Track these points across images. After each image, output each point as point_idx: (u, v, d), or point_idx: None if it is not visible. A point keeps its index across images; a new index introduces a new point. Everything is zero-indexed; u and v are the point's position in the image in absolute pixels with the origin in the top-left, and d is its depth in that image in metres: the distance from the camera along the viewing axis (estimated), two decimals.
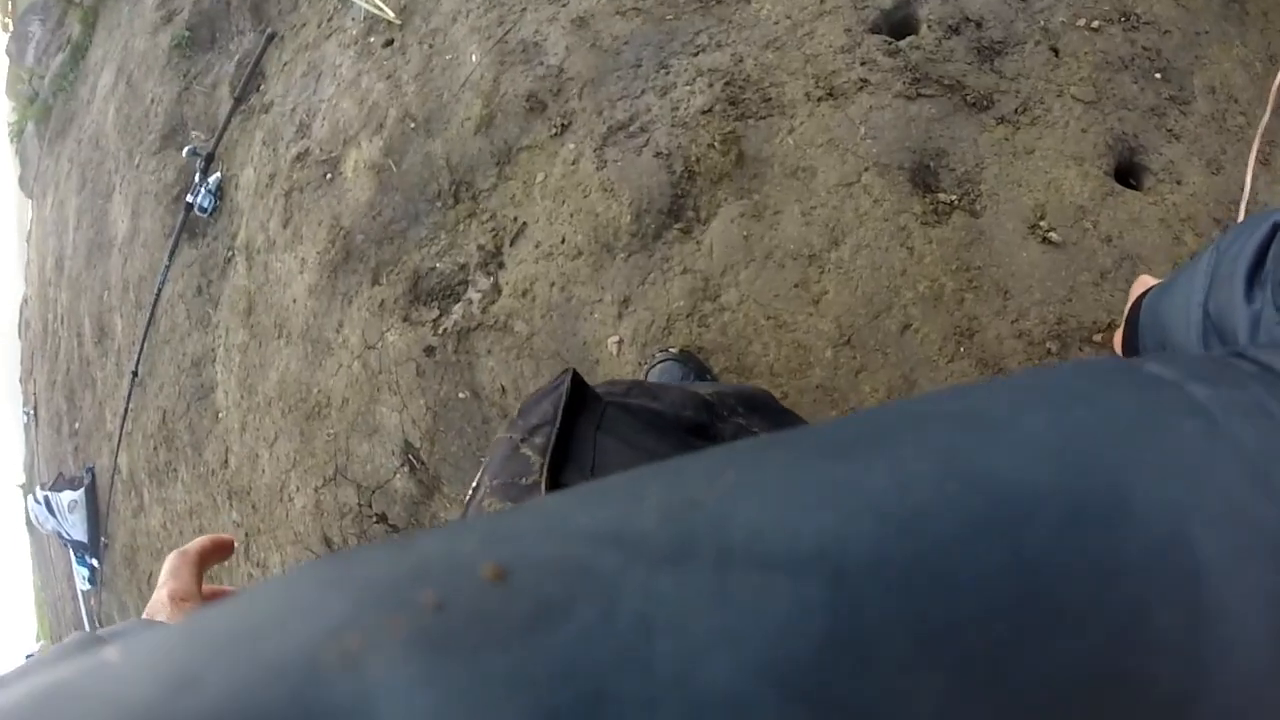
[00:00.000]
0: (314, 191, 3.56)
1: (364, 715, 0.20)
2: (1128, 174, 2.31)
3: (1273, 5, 2.43)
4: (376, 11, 3.69)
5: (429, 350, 2.75)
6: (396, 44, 3.58)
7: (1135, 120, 2.30)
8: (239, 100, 4.55)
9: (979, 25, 2.51)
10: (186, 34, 5.30)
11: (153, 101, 5.48)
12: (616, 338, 2.46)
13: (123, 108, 5.90)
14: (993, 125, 2.36)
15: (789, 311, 2.27)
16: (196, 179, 4.48)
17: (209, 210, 4.38)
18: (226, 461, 3.70)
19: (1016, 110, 2.37)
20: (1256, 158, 2.17)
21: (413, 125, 3.19)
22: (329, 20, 4.15)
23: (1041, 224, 2.19)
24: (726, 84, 2.65)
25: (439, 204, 2.97)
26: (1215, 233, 2.13)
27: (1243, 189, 2.15)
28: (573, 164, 2.74)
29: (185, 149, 4.63)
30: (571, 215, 2.66)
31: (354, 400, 2.95)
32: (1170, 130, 2.28)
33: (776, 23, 2.74)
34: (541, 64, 2.98)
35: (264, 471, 3.36)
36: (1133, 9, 2.45)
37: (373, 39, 3.72)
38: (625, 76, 2.81)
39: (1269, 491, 0.28)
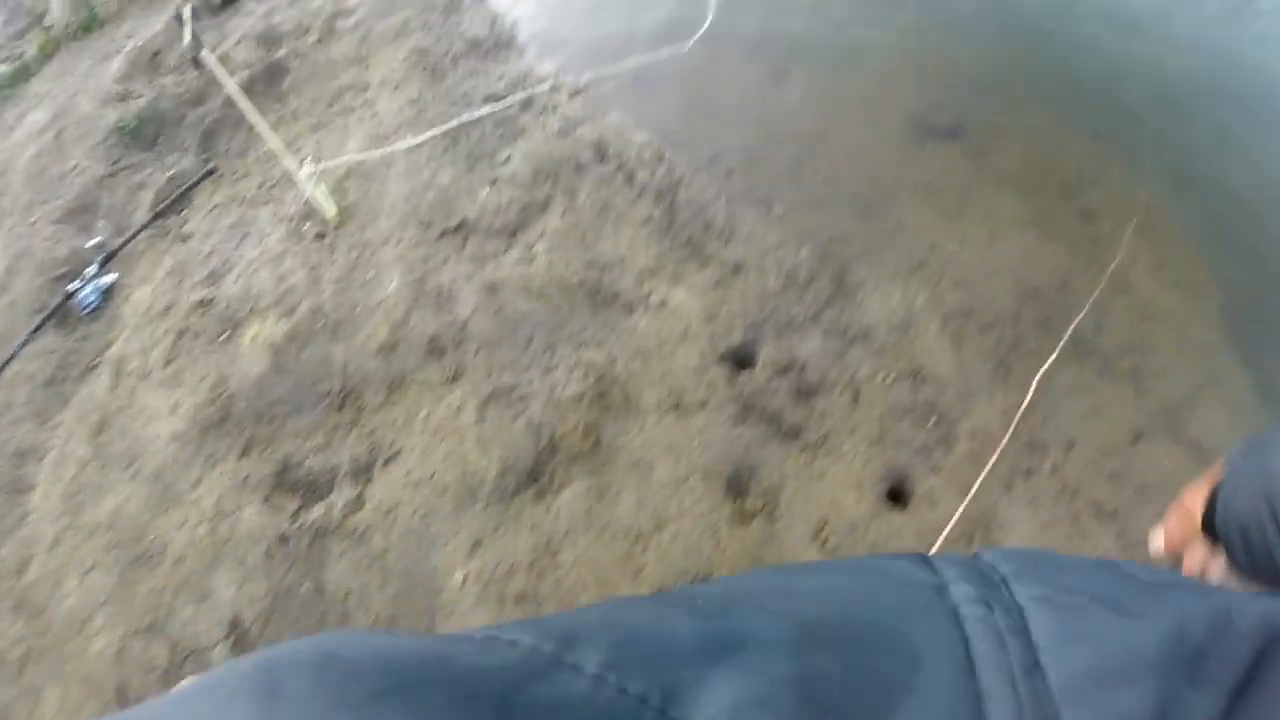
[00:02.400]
0: (207, 343, 3.86)
1: None
2: (896, 497, 3.10)
3: (1031, 368, 3.46)
4: (319, 204, 4.16)
5: (283, 538, 3.08)
6: (328, 240, 4.05)
7: (908, 456, 3.15)
8: (159, 215, 4.78)
9: (802, 369, 3.32)
10: (134, 124, 5.52)
11: (74, 169, 5.53)
12: (464, 572, 2.91)
13: (42, 157, 5.90)
14: (797, 452, 3.12)
15: (614, 577, 2.85)
16: (89, 272, 4.57)
17: (89, 308, 4.45)
18: (25, 569, 3.70)
19: (817, 442, 3.14)
20: (1000, 482, 3.08)
21: (321, 323, 3.64)
22: (270, 187, 4.58)
23: (824, 533, 2.93)
24: (599, 379, 3.28)
25: (325, 404, 3.40)
26: (961, 545, 2.90)
27: (990, 510, 3.01)
28: (456, 410, 3.27)
29: (92, 241, 4.76)
30: (445, 456, 3.16)
31: (191, 560, 3.19)
32: (934, 465, 3.13)
33: (648, 338, 3.43)
34: (450, 313, 3.55)
35: (69, 596, 3.42)
36: (922, 367, 3.38)
37: (307, 226, 4.18)
38: (517, 348, 3.42)
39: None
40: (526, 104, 4.75)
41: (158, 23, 6.92)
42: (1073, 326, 3.74)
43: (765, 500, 3.04)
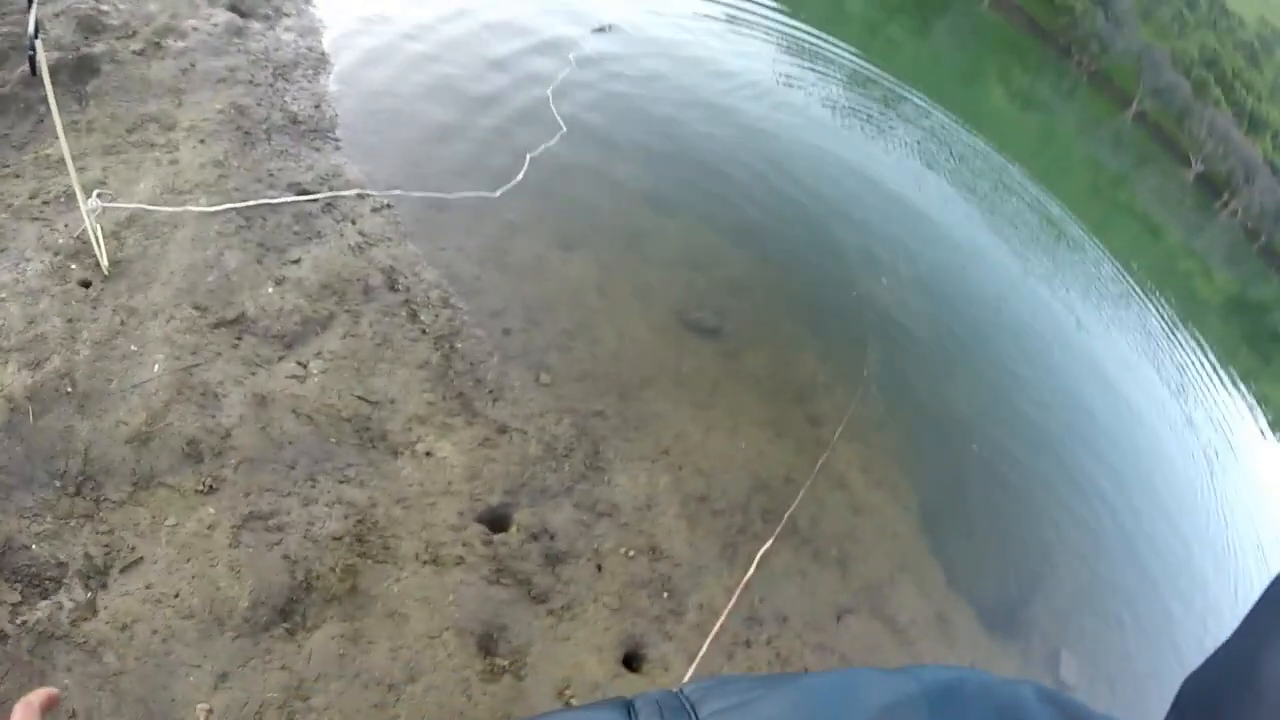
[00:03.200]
0: None
1: None
2: (632, 661, 3.65)
3: (754, 550, 4.31)
4: (93, 243, 4.01)
5: (1, 636, 2.74)
6: (93, 291, 3.92)
7: (644, 624, 3.73)
8: None
9: (553, 537, 3.79)
10: None
11: None
12: (208, 707, 2.81)
13: None
14: (544, 615, 3.59)
15: None
16: None
17: None
18: None
19: (563, 607, 3.63)
20: (723, 650, 3.80)
21: (69, 390, 3.50)
22: (44, 202, 4.36)
23: (567, 692, 3.37)
24: (359, 521, 3.51)
25: (58, 484, 3.16)
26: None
27: (708, 672, 3.65)
28: (209, 528, 3.27)
29: None
30: (193, 576, 3.11)
31: None
32: (667, 632, 3.73)
33: (411, 485, 3.72)
34: (214, 417, 3.60)
35: None
36: (660, 545, 4.03)
37: (74, 267, 4.02)
38: (280, 472, 3.55)
39: None
40: (329, 205, 4.93)
41: None
42: (788, 515, 4.61)
43: (514, 659, 3.42)
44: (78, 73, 5.31)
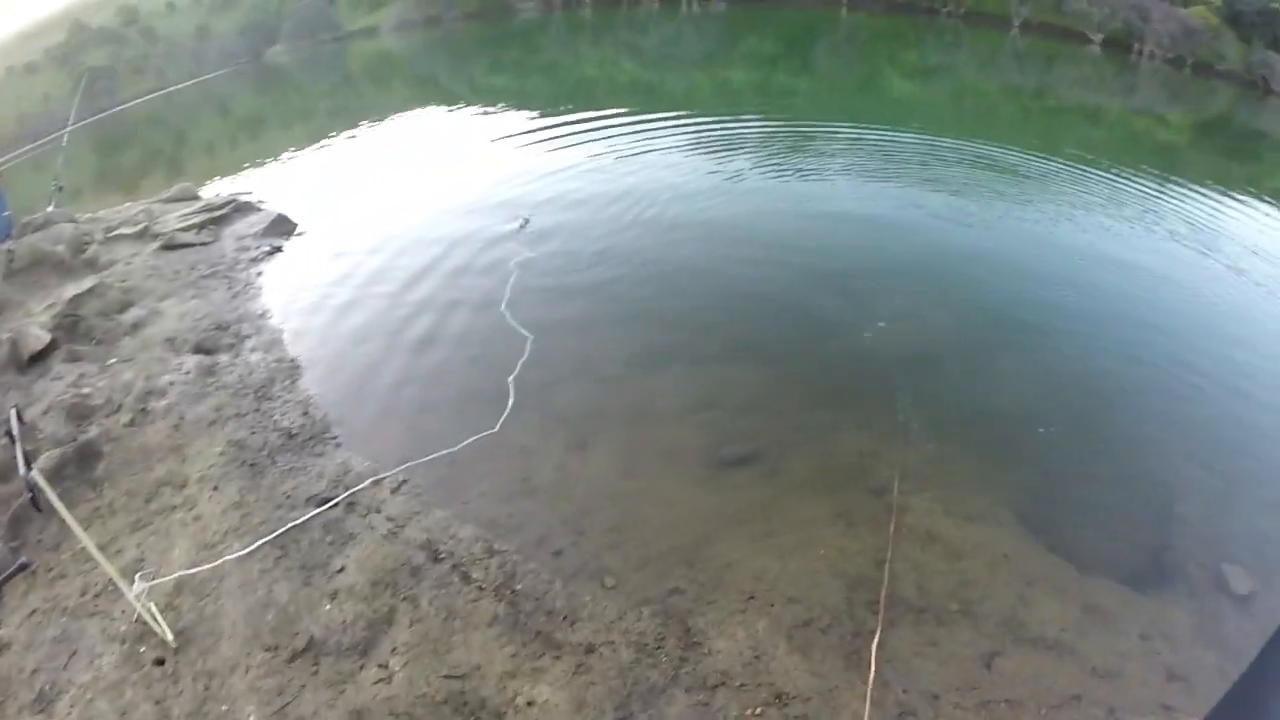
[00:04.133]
0: None
1: None
2: None
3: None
4: (152, 623, 4.24)
5: None
6: (168, 667, 4.15)
7: None
8: None
9: None
10: None
11: None
12: None
13: None
14: None
15: None
16: None
17: None
18: None
19: None
20: None
21: None
22: (95, 596, 4.62)
23: None
24: None
25: None
26: None
27: None
28: None
29: None
30: None
31: None
32: None
33: None
34: None
35: None
36: (783, 689, 4.05)
37: (144, 649, 4.27)
38: None
39: None
40: (351, 504, 5.19)
41: None
42: (885, 596, 4.56)
43: None
44: (83, 461, 5.67)
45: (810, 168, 13.18)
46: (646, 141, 14.89)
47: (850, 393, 6.53)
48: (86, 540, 3.95)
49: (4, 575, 4.68)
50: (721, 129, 15.76)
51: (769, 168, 13.14)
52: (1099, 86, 33.62)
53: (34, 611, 4.61)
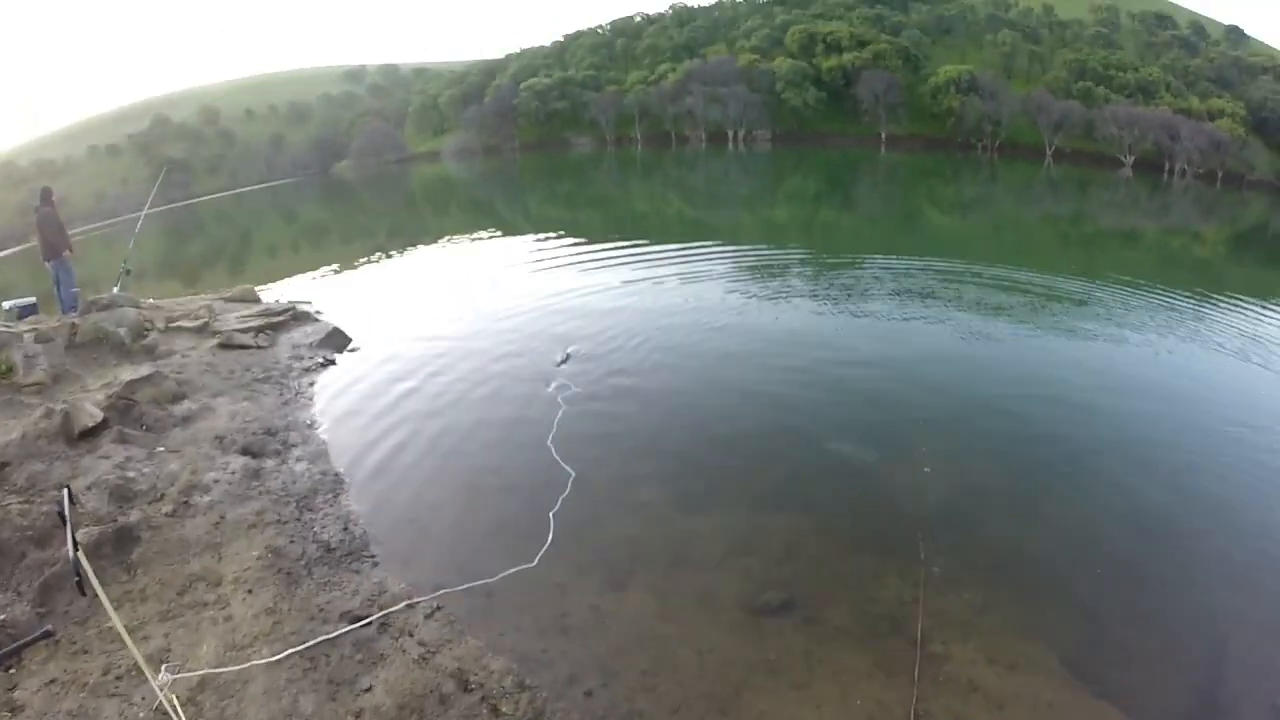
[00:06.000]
0: None
1: None
2: None
3: None
4: (170, 713, 4.23)
5: None
6: None
7: None
8: None
9: None
10: None
11: None
12: None
13: None
14: None
15: None
16: None
17: None
18: None
19: None
20: None
21: None
22: (117, 677, 4.69)
23: None
24: None
25: None
26: None
27: None
28: None
29: None
30: None
31: None
32: None
33: None
34: None
35: None
36: None
37: None
38: None
39: None
40: (384, 624, 5.28)
41: (14, 426, 7.27)
42: None
43: None
44: (120, 543, 5.85)
45: (855, 302, 13.64)
46: (694, 274, 15.74)
47: (890, 537, 6.51)
48: (119, 623, 4.07)
49: (27, 640, 4.72)
50: (766, 262, 16.43)
51: (814, 302, 13.69)
52: (1134, 208, 34.63)
53: (53, 681, 4.69)
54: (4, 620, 5.07)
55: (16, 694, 4.61)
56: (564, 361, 10.35)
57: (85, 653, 4.92)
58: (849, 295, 13.96)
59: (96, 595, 5.06)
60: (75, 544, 4.54)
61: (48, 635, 4.53)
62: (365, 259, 21.88)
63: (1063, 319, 12.99)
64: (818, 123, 79.81)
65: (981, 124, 68.18)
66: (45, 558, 5.61)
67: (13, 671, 4.77)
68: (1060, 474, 7.66)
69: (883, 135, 72.85)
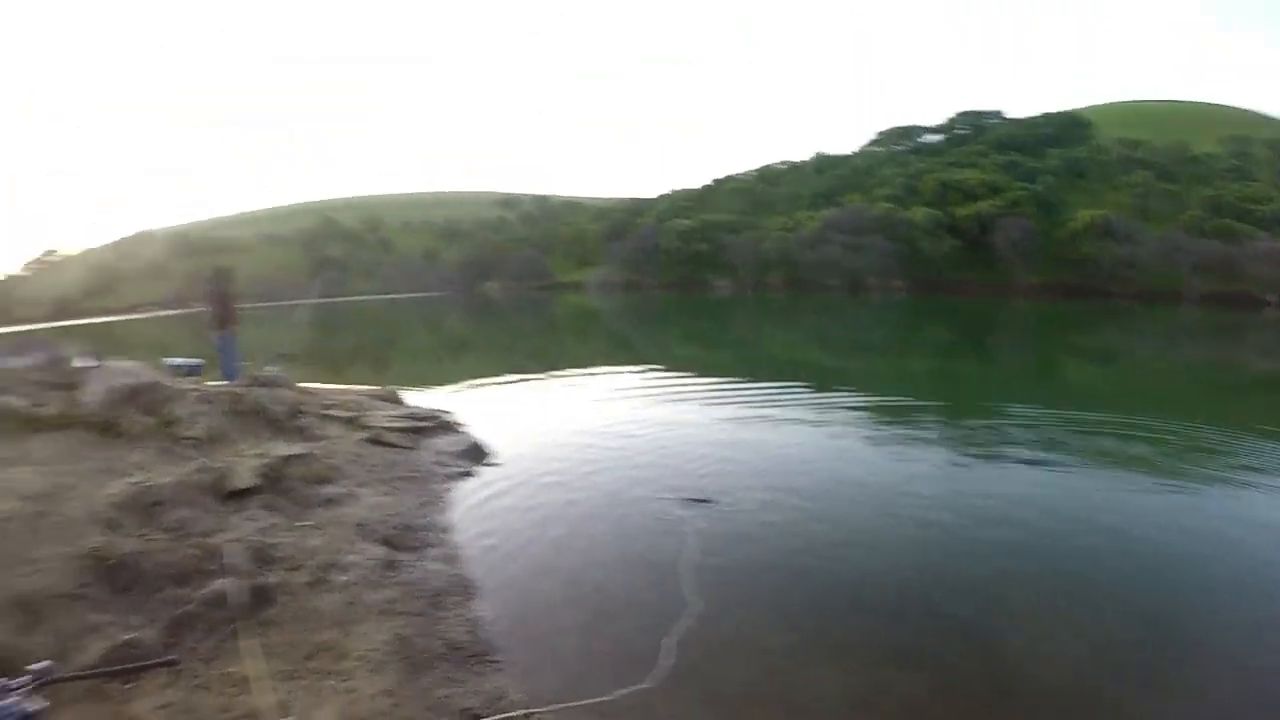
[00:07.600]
0: None
1: None
2: None
3: None
4: None
5: None
6: None
7: None
8: (106, 673, 4.70)
9: None
10: (108, 561, 6.05)
11: (36, 564, 5.85)
12: None
13: (12, 523, 6.30)
14: None
15: None
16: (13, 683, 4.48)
17: None
18: None
19: None
20: None
21: None
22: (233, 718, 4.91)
23: None
24: None
25: None
26: None
27: None
28: None
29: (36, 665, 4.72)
30: None
31: None
32: None
33: None
34: None
35: None
36: None
37: None
38: None
39: None
40: None
41: (172, 472, 7.79)
42: None
43: None
44: (256, 600, 6.22)
45: (993, 455, 13.24)
46: (828, 420, 15.78)
47: (1013, 710, 6.19)
48: (256, 668, 4.35)
49: (152, 662, 4.78)
50: (900, 413, 16.21)
51: (950, 453, 13.42)
52: (1276, 350, 32.60)
53: (168, 705, 4.93)
54: (133, 639, 5.40)
55: (133, 706, 4.86)
56: (701, 501, 10.45)
57: (205, 689, 5.19)
58: (991, 447, 13.66)
59: (225, 632, 5.43)
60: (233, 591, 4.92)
61: (172, 664, 4.75)
62: (505, 376, 22.77)
63: (1217, 474, 12.24)
64: (953, 270, 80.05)
65: (1117, 268, 66.95)
66: (182, 595, 6.04)
67: (129, 687, 5.04)
68: (1211, 651, 6.84)
69: (1018, 283, 72.14)
